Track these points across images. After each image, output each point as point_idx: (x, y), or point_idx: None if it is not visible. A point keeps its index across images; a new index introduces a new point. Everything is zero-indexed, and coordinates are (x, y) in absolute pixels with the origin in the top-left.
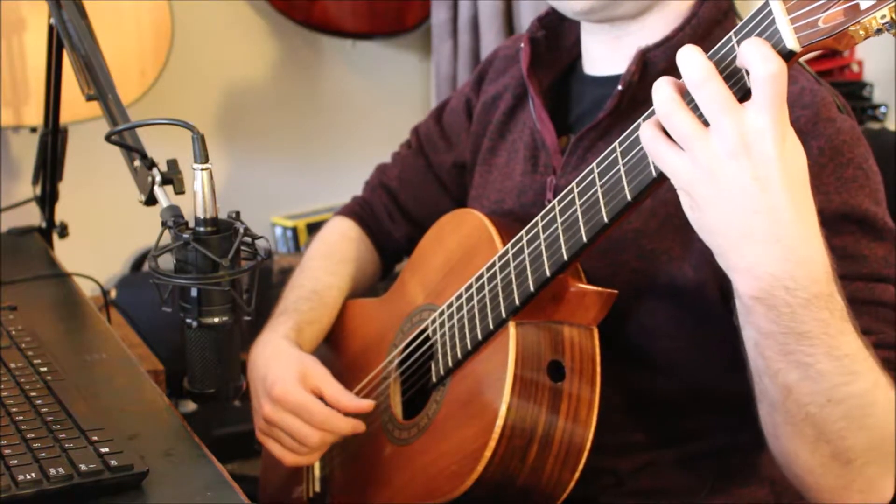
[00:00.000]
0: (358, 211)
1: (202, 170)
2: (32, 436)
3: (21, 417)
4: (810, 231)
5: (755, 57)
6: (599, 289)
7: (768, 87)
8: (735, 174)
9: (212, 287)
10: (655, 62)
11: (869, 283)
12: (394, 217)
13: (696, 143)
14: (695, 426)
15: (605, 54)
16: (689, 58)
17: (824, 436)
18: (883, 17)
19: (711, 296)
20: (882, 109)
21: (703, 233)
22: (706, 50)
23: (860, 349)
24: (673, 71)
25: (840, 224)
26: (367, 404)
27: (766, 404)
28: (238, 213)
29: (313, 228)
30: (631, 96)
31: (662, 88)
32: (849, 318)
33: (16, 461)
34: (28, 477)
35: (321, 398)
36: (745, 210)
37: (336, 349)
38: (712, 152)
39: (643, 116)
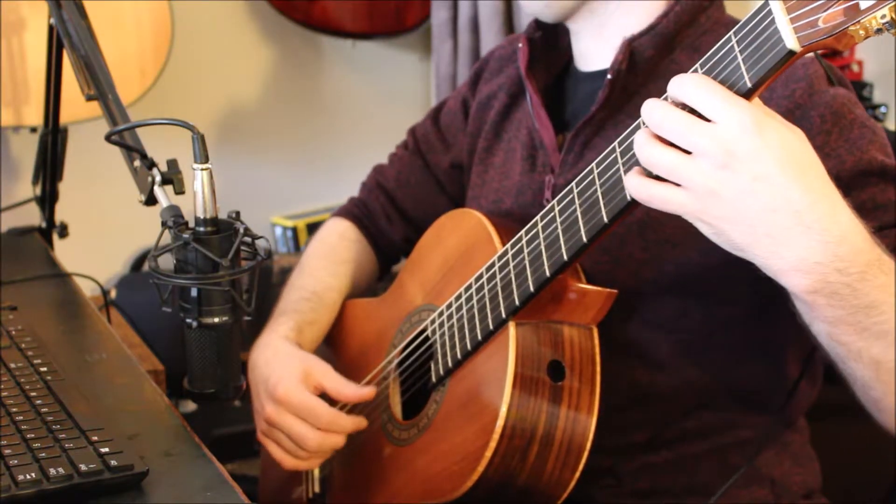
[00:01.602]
0: (355, 212)
1: (202, 170)
2: (32, 436)
3: (21, 417)
4: (835, 205)
5: (673, 89)
6: (599, 288)
7: (704, 95)
8: (734, 182)
9: (212, 287)
10: (642, 50)
11: None
12: (391, 218)
13: (685, 171)
14: (694, 426)
15: (594, 48)
16: (645, 107)
17: None
18: (883, 16)
19: (720, 283)
20: (882, 109)
21: (738, 251)
22: (693, 40)
23: None
24: (660, 58)
25: (861, 180)
26: (368, 392)
27: (860, 386)
28: (238, 213)
29: (313, 228)
30: (622, 87)
31: (638, 135)
32: None
33: (16, 461)
34: (28, 477)
35: (324, 394)
36: (762, 212)
37: (335, 349)
38: (704, 173)
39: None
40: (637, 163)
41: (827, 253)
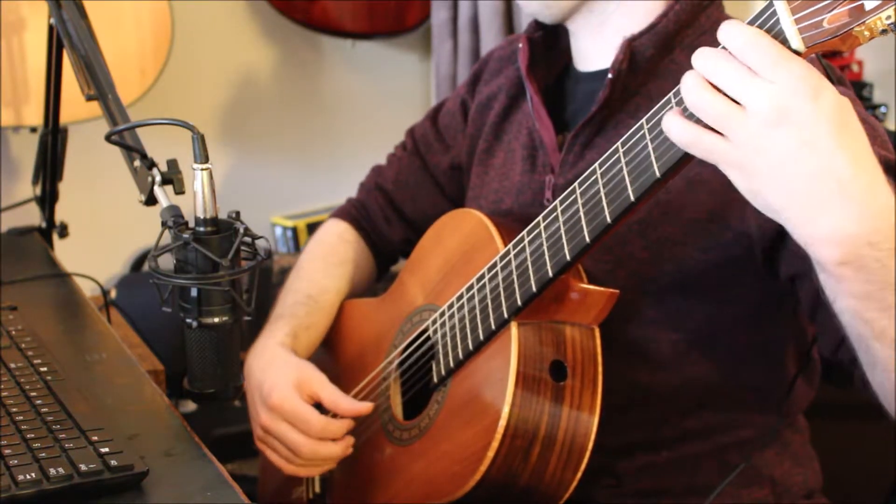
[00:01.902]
0: (353, 213)
1: (202, 170)
2: (32, 436)
3: (21, 417)
4: (875, 178)
5: (726, 38)
6: (601, 289)
7: (755, 52)
8: (782, 144)
9: (212, 287)
10: (642, 50)
11: None
12: (389, 219)
13: (734, 123)
14: (695, 426)
15: (593, 48)
16: (698, 54)
17: None
18: (888, 17)
19: (720, 280)
20: (882, 109)
21: (770, 212)
22: (693, 39)
23: None
24: (660, 58)
25: None
26: (365, 407)
27: (880, 371)
28: (238, 213)
29: (313, 228)
30: (622, 87)
31: (687, 78)
32: None
33: (16, 461)
34: (28, 477)
35: (319, 404)
36: (804, 177)
37: (335, 350)
38: (753, 128)
39: (648, 115)
40: (639, 163)
41: (862, 225)
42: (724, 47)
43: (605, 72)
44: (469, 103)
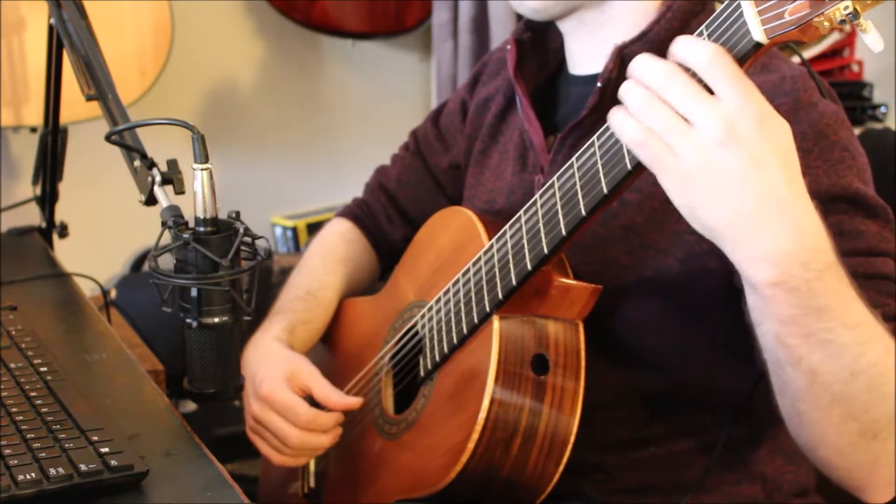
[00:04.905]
0: (356, 212)
1: (202, 170)
2: (32, 436)
3: (21, 417)
4: (808, 202)
5: (685, 52)
6: (584, 283)
7: (716, 70)
8: (731, 163)
9: (212, 287)
10: (633, 57)
11: (868, 257)
12: (392, 218)
13: (682, 137)
14: (684, 423)
15: (585, 52)
16: (646, 64)
17: (851, 413)
18: (846, 7)
19: (699, 290)
20: (882, 109)
21: (709, 230)
22: None
23: (868, 316)
24: None
25: (832, 204)
26: (355, 401)
27: (790, 396)
28: (238, 213)
29: (313, 228)
30: (612, 93)
31: (633, 90)
32: (853, 287)
33: (16, 461)
34: (28, 477)
35: (310, 396)
36: (750, 197)
37: (331, 347)
38: (701, 144)
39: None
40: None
41: (797, 245)
42: (674, 61)
43: (596, 76)
44: (468, 104)
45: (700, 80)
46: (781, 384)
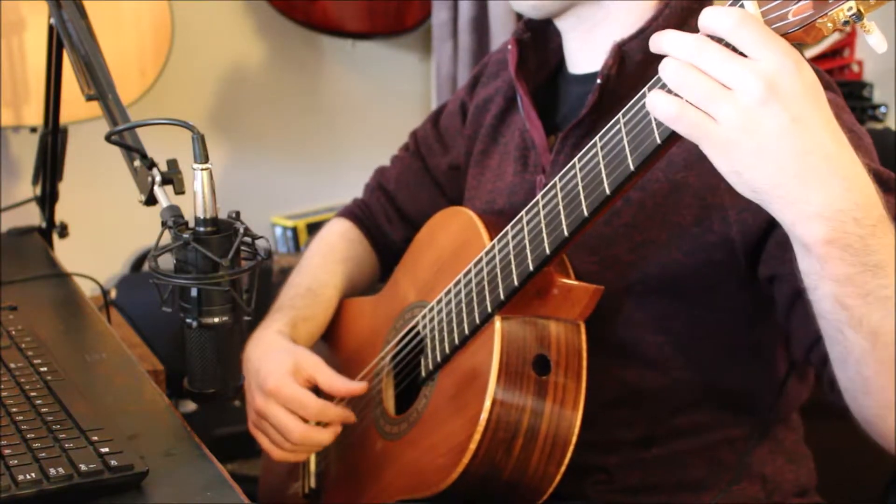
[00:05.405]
0: (356, 213)
1: (202, 170)
2: (32, 436)
3: (21, 417)
4: (854, 155)
5: (711, 21)
6: (585, 284)
7: (746, 32)
8: (773, 120)
9: (212, 287)
10: (632, 54)
11: None
12: (391, 219)
13: (723, 103)
14: (685, 423)
15: (584, 51)
16: (675, 38)
17: None
18: (850, 9)
19: (703, 285)
20: (882, 109)
21: (758, 193)
22: None
23: None
24: (651, 63)
25: None
26: (360, 387)
27: (853, 364)
28: (238, 213)
29: (313, 228)
30: (611, 91)
31: (668, 62)
32: None
33: (16, 461)
34: (28, 477)
35: (315, 388)
36: (795, 154)
37: (332, 347)
38: (743, 106)
39: (623, 109)
40: (615, 156)
41: (849, 200)
42: (703, 33)
43: (595, 75)
44: (468, 105)
45: (730, 47)
46: (843, 352)
